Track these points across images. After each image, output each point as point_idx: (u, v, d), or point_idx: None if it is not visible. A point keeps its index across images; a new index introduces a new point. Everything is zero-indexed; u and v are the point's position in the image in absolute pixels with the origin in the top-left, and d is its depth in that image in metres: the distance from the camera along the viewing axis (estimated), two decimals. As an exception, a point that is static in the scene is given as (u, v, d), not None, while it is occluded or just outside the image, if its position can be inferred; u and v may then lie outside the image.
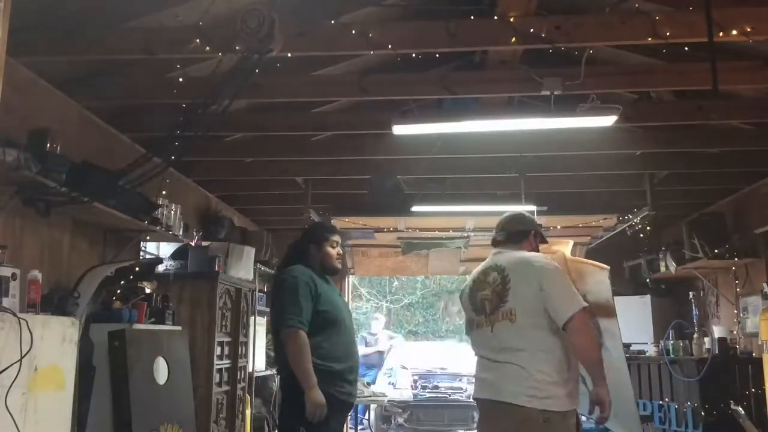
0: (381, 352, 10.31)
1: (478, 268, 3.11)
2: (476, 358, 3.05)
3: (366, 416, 9.13)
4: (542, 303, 2.80)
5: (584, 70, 3.61)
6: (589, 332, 2.83)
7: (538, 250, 3.17)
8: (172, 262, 4.99)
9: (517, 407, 2.73)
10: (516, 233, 3.13)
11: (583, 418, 5.20)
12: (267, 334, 6.89)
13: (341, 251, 3.56)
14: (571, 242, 3.92)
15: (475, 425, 8.68)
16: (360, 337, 10.31)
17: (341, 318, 3.34)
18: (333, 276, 3.54)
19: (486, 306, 2.94)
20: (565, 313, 2.75)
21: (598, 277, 3.61)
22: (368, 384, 7.34)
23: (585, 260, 3.93)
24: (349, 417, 8.81)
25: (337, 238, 3.53)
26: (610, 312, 3.56)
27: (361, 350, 10.10)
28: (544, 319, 2.80)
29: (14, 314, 2.65)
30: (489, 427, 2.93)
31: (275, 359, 3.56)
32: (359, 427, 8.47)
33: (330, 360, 3.22)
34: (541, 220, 6.29)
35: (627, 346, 6.62)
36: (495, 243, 3.16)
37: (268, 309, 3.64)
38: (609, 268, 3.63)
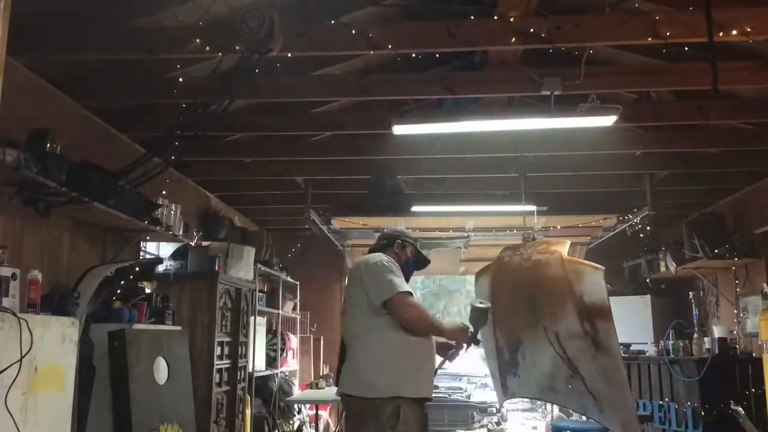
0: None
1: None
2: None
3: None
4: (365, 295, 2.96)
5: (584, 70, 3.61)
6: (408, 309, 2.90)
7: (404, 258, 3.24)
8: (172, 262, 4.99)
9: (350, 398, 2.91)
10: (379, 244, 3.35)
11: (583, 418, 5.22)
12: (267, 333, 6.91)
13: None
14: (568, 242, 3.92)
15: (475, 425, 8.70)
16: None
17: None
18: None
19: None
20: (379, 298, 2.92)
21: (594, 278, 3.62)
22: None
23: (581, 261, 3.94)
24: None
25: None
26: (605, 312, 3.56)
27: None
28: (366, 312, 2.96)
29: (14, 314, 2.66)
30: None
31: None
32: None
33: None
34: (541, 220, 6.30)
35: (627, 346, 6.64)
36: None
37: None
38: (604, 268, 3.63)
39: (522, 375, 4.08)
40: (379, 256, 3.12)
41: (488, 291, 4.35)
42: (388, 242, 3.33)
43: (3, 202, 3.24)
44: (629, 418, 3.60)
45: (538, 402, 9.53)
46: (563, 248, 3.86)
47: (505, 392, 4.31)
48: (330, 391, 7.01)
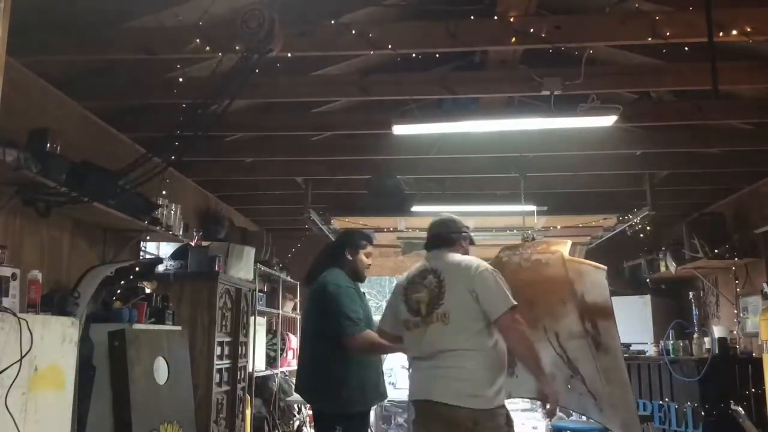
0: None
1: (413, 269, 3.14)
2: (410, 359, 3.08)
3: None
4: (476, 304, 2.84)
5: (584, 70, 3.61)
6: (519, 330, 2.86)
7: (468, 253, 3.20)
8: (172, 262, 4.99)
9: (447, 406, 2.78)
10: (447, 238, 3.16)
11: (583, 418, 5.22)
12: (267, 333, 6.91)
13: (370, 261, 3.65)
14: (569, 242, 3.91)
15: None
16: None
17: (371, 326, 3.41)
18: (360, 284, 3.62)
19: (421, 308, 2.96)
20: (495, 312, 2.82)
21: (595, 278, 3.61)
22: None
23: (582, 260, 3.93)
24: None
25: (371, 248, 3.63)
26: (607, 312, 3.56)
27: None
28: (477, 321, 2.85)
29: (14, 314, 2.65)
30: (423, 426, 2.93)
31: (303, 371, 3.49)
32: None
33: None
34: (541, 220, 6.29)
35: (627, 346, 6.63)
36: (428, 246, 3.18)
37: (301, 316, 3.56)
38: (606, 268, 3.63)
39: (519, 375, 4.07)
40: (480, 261, 3.02)
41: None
42: (454, 236, 3.17)
43: (3, 202, 3.24)
44: (630, 418, 3.59)
45: (539, 402, 9.51)
46: (564, 248, 3.85)
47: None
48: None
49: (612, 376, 3.55)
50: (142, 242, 4.86)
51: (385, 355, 3.49)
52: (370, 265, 3.65)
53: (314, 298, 3.45)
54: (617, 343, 3.59)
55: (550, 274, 3.73)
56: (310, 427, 7.31)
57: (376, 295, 18.37)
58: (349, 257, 3.53)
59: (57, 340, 2.95)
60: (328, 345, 3.30)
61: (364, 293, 3.68)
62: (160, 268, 4.75)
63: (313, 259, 3.65)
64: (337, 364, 3.29)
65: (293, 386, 7.20)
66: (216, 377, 4.81)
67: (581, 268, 3.67)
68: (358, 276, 3.56)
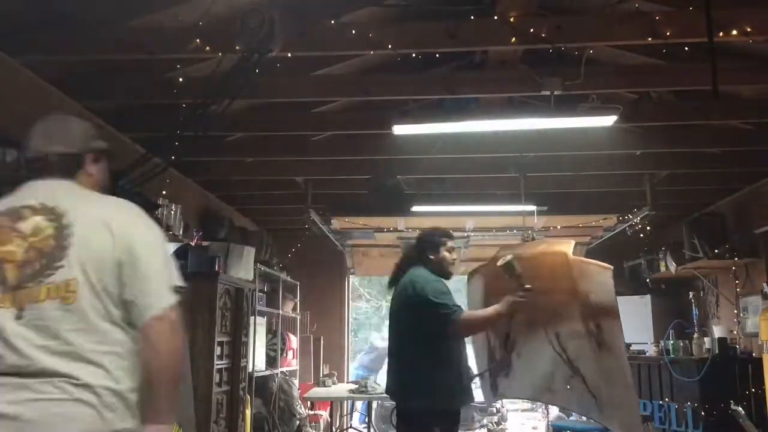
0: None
1: None
2: None
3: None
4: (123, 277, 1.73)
5: (584, 70, 3.61)
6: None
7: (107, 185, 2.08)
8: (172, 262, 4.98)
9: None
10: (63, 158, 1.93)
11: (583, 418, 5.22)
12: (267, 333, 6.91)
13: (455, 256, 3.65)
14: (573, 242, 3.90)
15: (475, 425, 8.70)
16: (369, 344, 10.39)
17: None
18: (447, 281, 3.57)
19: (8, 272, 1.67)
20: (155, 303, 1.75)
21: (601, 277, 3.60)
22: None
23: (588, 260, 3.92)
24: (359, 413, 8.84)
25: (451, 243, 3.60)
26: (613, 312, 3.54)
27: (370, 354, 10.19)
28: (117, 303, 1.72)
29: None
30: None
31: (399, 373, 3.41)
32: (362, 425, 8.47)
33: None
34: (541, 220, 6.30)
35: (627, 346, 6.62)
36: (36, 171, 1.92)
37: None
38: (612, 267, 3.62)
39: (515, 375, 4.07)
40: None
41: (482, 291, 4.34)
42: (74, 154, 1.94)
43: (3, 202, 3.23)
44: (632, 417, 3.59)
45: (539, 402, 9.53)
46: (568, 248, 3.84)
47: (495, 392, 4.29)
48: (341, 389, 7.04)
49: (615, 377, 3.55)
50: (142, 242, 4.85)
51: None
52: (455, 260, 3.63)
53: (401, 297, 3.39)
54: (621, 343, 3.59)
55: (553, 273, 3.73)
56: (310, 427, 7.32)
57: (377, 295, 18.38)
58: (431, 257, 3.49)
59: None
60: (421, 343, 3.26)
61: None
62: (160, 268, 4.74)
63: (395, 264, 3.63)
64: (430, 362, 3.23)
65: (293, 387, 7.21)
66: (216, 377, 4.80)
67: (587, 268, 3.66)
68: (444, 273, 3.51)
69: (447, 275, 3.52)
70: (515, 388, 4.17)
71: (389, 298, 3.71)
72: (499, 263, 3.44)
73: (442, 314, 3.19)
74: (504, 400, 8.27)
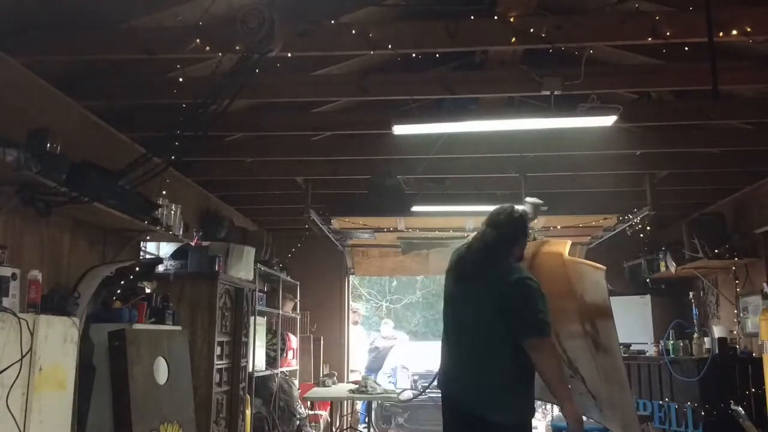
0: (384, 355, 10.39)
1: None
2: None
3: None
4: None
5: (584, 70, 3.61)
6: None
7: None
8: (172, 262, 4.98)
9: None
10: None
11: (583, 418, 5.21)
12: (267, 333, 6.91)
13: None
14: (569, 242, 3.90)
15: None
16: (372, 345, 10.39)
17: None
18: None
19: None
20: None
21: (595, 278, 3.61)
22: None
23: (582, 260, 3.92)
24: (359, 413, 8.84)
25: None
26: (607, 312, 3.55)
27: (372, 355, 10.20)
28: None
29: (14, 314, 2.66)
30: None
31: (480, 376, 3.04)
32: (362, 425, 8.48)
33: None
34: (541, 220, 6.29)
35: (627, 346, 6.64)
36: None
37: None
38: (605, 268, 3.62)
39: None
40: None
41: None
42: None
43: (3, 202, 3.24)
44: (629, 418, 3.59)
45: (538, 402, 9.50)
46: (564, 248, 3.85)
47: None
48: (341, 389, 7.04)
49: (611, 377, 3.55)
50: (142, 242, 4.86)
51: None
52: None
53: (499, 291, 3.01)
54: (616, 343, 3.59)
55: (550, 273, 3.73)
56: (310, 427, 7.32)
57: (376, 295, 18.38)
58: (519, 251, 3.22)
59: (59, 341, 2.96)
60: (508, 346, 2.97)
61: None
62: (160, 268, 4.75)
63: (475, 252, 3.17)
64: (517, 368, 2.98)
65: (293, 387, 7.21)
66: (216, 377, 4.80)
67: (581, 269, 3.67)
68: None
69: None
70: None
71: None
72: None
73: (540, 325, 2.93)
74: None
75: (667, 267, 6.82)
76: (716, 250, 5.99)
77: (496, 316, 2.99)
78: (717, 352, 5.56)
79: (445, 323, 3.26)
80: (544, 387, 3.80)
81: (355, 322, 9.49)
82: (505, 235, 3.15)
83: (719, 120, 4.76)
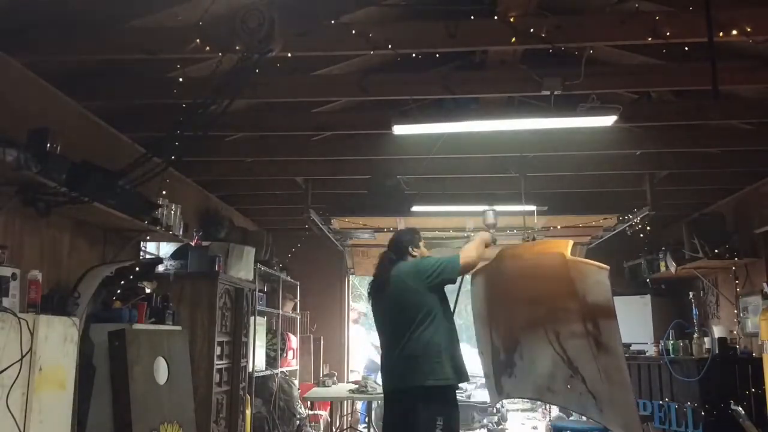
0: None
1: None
2: None
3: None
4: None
5: (584, 70, 3.61)
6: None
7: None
8: (172, 262, 4.99)
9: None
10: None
11: (583, 418, 5.22)
12: (267, 333, 6.91)
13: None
14: (571, 242, 3.90)
15: (475, 425, 8.70)
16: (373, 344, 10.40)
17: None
18: None
19: None
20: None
21: (598, 277, 3.60)
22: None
23: (585, 260, 3.92)
24: (359, 413, 8.85)
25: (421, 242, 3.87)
26: (610, 312, 3.55)
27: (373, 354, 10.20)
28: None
29: (14, 314, 2.66)
30: None
31: (400, 356, 3.54)
32: (362, 425, 8.47)
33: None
34: (541, 220, 6.30)
35: (627, 346, 6.62)
36: None
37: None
38: (608, 268, 3.62)
39: (518, 375, 4.07)
40: None
41: (484, 291, 4.34)
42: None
43: (3, 202, 3.24)
44: (631, 417, 3.59)
45: (539, 402, 9.52)
46: (566, 248, 3.85)
47: (500, 392, 4.30)
48: (341, 389, 7.04)
49: (613, 376, 3.55)
50: (142, 242, 4.87)
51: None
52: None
53: (404, 283, 3.57)
54: (619, 343, 3.59)
55: (552, 273, 3.73)
56: (310, 427, 7.32)
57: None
58: (415, 253, 3.75)
59: (59, 341, 2.96)
60: (437, 317, 3.49)
61: None
62: (160, 268, 4.75)
63: (378, 268, 3.78)
64: (447, 335, 3.49)
65: (293, 387, 7.21)
66: (216, 377, 4.81)
67: (583, 268, 3.67)
68: None
69: None
70: (519, 387, 4.17)
71: (370, 303, 3.89)
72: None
73: (449, 266, 3.50)
74: (504, 400, 8.26)
75: (667, 267, 6.82)
76: (716, 250, 5.99)
77: (414, 297, 3.53)
78: (717, 352, 5.56)
79: (378, 332, 3.78)
80: (543, 388, 3.82)
81: (355, 320, 9.49)
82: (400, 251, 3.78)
83: (719, 120, 4.76)
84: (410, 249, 3.75)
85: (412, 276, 3.56)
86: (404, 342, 3.46)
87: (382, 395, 3.69)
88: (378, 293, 3.73)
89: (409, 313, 3.49)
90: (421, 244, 3.82)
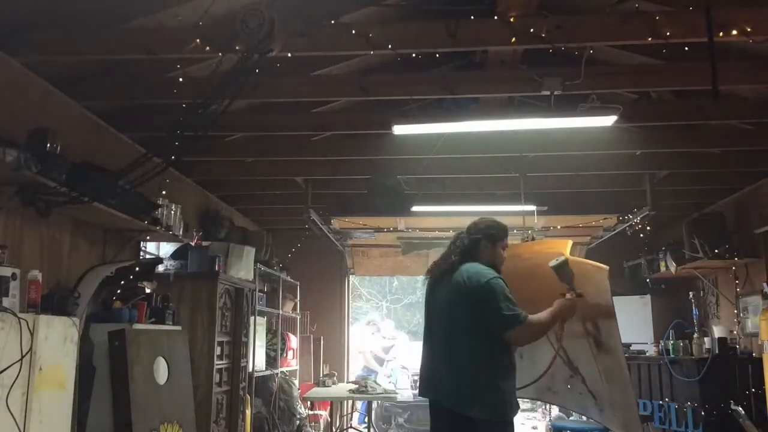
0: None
1: None
2: None
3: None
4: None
5: (584, 70, 3.61)
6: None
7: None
8: (172, 262, 4.99)
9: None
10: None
11: (583, 418, 5.22)
12: (267, 333, 6.91)
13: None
14: (570, 242, 3.91)
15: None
16: None
17: None
18: None
19: None
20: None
21: (598, 277, 3.61)
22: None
23: (584, 260, 3.93)
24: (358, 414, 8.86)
25: (508, 240, 3.43)
26: (609, 312, 3.56)
27: None
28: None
29: (14, 314, 2.66)
30: None
31: (459, 377, 3.11)
32: (362, 425, 8.47)
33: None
34: (541, 220, 6.30)
35: (627, 346, 6.62)
36: None
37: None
38: (608, 268, 3.62)
39: (519, 375, 4.07)
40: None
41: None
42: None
43: (3, 202, 3.24)
44: (631, 417, 3.59)
45: (539, 402, 9.52)
46: (565, 248, 3.85)
47: None
48: (341, 389, 7.04)
49: (614, 376, 3.55)
50: (142, 242, 4.86)
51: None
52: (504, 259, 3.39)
53: (460, 291, 3.12)
54: (619, 342, 3.59)
55: (551, 273, 3.73)
56: (310, 427, 7.32)
57: (376, 295, 18.38)
58: (490, 252, 3.28)
59: (59, 341, 2.96)
60: (481, 344, 3.06)
61: None
62: (160, 268, 4.75)
63: (443, 254, 3.37)
64: (493, 367, 3.06)
65: (293, 387, 7.21)
66: (216, 377, 4.81)
67: (583, 268, 3.67)
68: (497, 269, 3.25)
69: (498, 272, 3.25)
70: (520, 387, 4.18)
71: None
72: (551, 264, 3.39)
73: (508, 317, 3.01)
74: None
75: (667, 267, 6.82)
76: (716, 250, 5.99)
77: (468, 316, 3.10)
78: (717, 352, 5.56)
79: (425, 327, 3.38)
80: (544, 387, 3.82)
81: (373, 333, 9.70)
82: (475, 240, 3.31)
83: (719, 120, 4.76)
84: (487, 248, 3.28)
85: (467, 293, 3.12)
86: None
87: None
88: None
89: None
90: (502, 246, 3.34)
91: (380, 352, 10.64)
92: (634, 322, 7.09)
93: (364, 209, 6.45)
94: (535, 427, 9.51)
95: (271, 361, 6.88)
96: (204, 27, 3.30)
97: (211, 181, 6.32)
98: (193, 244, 5.24)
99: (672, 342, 6.01)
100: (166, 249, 5.49)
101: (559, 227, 6.88)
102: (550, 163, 5.59)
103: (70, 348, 3.05)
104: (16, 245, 3.39)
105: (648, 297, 7.46)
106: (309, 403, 7.32)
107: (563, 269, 3.37)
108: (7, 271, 2.79)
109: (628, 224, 6.55)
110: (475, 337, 3.08)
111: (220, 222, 6.29)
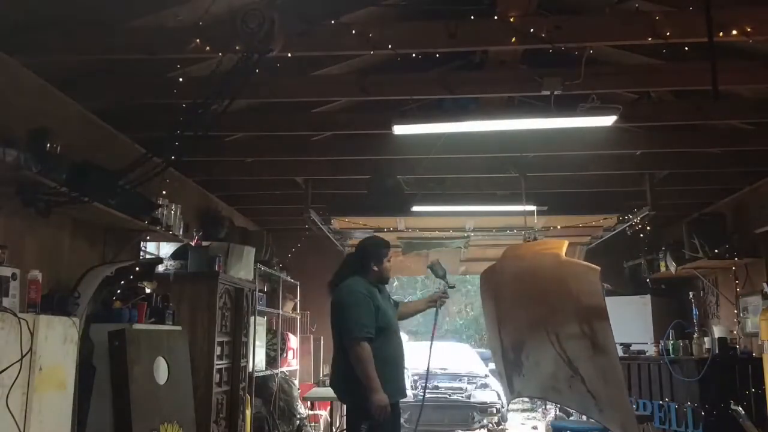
0: None
1: None
2: None
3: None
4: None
5: (584, 70, 3.61)
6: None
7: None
8: (172, 262, 4.99)
9: None
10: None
11: (583, 417, 5.22)
12: (267, 333, 6.91)
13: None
14: (566, 243, 3.91)
15: (475, 425, 8.70)
16: None
17: (391, 325, 3.62)
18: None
19: None
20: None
21: (590, 278, 3.62)
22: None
23: (577, 261, 3.94)
24: None
25: (391, 252, 3.77)
26: (602, 312, 3.56)
27: None
28: None
29: (14, 314, 2.66)
30: None
31: (334, 370, 3.68)
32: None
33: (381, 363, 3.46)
34: (541, 220, 6.30)
35: (627, 346, 6.64)
36: None
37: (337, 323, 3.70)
38: (599, 268, 3.63)
39: (526, 374, 4.09)
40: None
41: (491, 291, 4.36)
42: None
43: (3, 202, 3.24)
44: (627, 417, 3.60)
45: (538, 402, 9.53)
46: (561, 249, 3.86)
47: (512, 391, 4.34)
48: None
49: (609, 376, 3.56)
50: (142, 242, 4.86)
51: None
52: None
53: (333, 303, 3.64)
54: (613, 343, 3.61)
55: (549, 274, 3.75)
56: (310, 427, 7.32)
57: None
58: (375, 268, 3.65)
59: (59, 341, 2.96)
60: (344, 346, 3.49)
61: (389, 294, 3.85)
62: (160, 268, 4.75)
63: (338, 271, 3.80)
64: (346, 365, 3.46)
65: (293, 387, 7.21)
66: (216, 377, 4.81)
67: (577, 269, 3.69)
68: (383, 281, 3.74)
69: (386, 282, 3.76)
70: (528, 387, 4.20)
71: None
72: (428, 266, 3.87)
73: (350, 329, 3.42)
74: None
75: (667, 267, 6.82)
76: (716, 250, 6.00)
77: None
78: (717, 352, 5.55)
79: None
80: (548, 387, 3.83)
81: None
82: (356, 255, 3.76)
83: (719, 120, 4.76)
84: (372, 265, 3.66)
85: (334, 305, 3.68)
86: None
87: None
88: None
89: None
90: (387, 260, 3.70)
91: None
92: (634, 322, 7.09)
93: (364, 209, 6.45)
94: (535, 427, 9.51)
95: (271, 361, 6.88)
96: (204, 27, 3.30)
97: (211, 181, 6.32)
98: (193, 244, 5.24)
99: (672, 342, 6.01)
100: (166, 249, 5.49)
101: (559, 227, 6.87)
102: (550, 163, 5.59)
103: (70, 348, 3.05)
104: (16, 245, 3.38)
105: (648, 297, 7.45)
106: (309, 403, 7.32)
107: (434, 269, 3.88)
108: (7, 271, 2.79)
109: (628, 224, 6.56)
110: (339, 340, 3.59)
111: (220, 222, 6.29)
